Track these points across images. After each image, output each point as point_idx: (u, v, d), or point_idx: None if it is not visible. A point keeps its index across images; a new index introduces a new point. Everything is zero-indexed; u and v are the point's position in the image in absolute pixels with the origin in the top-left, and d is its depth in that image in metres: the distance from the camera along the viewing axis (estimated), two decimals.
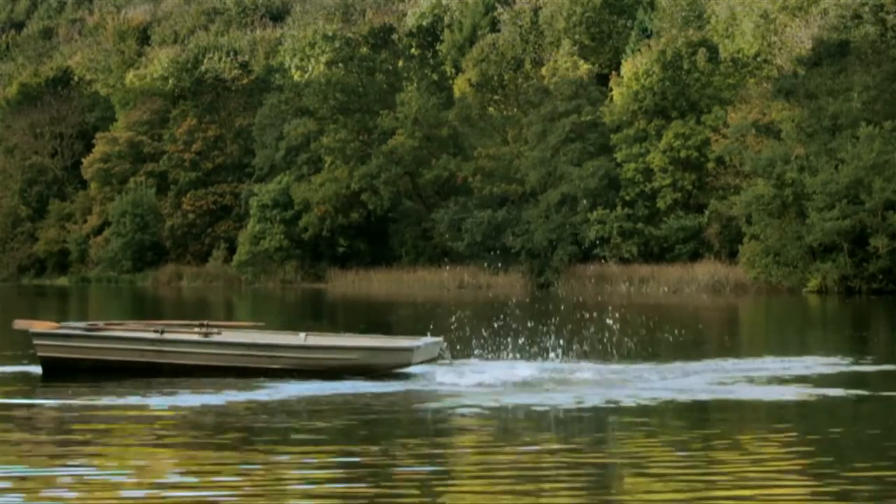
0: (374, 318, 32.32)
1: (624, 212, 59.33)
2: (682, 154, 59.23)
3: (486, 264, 61.97)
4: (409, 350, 13.89)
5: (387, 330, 23.12)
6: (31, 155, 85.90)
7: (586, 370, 14.29)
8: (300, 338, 14.72)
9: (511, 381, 13.06)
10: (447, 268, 63.91)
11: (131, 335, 14.44)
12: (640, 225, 59.32)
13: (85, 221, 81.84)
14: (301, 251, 70.04)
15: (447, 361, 14.49)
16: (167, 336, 14.26)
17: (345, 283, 65.11)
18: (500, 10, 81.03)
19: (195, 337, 14.40)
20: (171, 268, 76.21)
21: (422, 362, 14.20)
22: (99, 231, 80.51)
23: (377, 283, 63.89)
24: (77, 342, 14.18)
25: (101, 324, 15.14)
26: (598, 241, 59.02)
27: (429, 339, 14.50)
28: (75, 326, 14.87)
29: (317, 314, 34.63)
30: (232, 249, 73.74)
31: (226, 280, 72.06)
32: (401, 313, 34.70)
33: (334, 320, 30.66)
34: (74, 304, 44.00)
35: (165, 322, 15.21)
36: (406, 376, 13.89)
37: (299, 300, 47.14)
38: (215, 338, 14.40)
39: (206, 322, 15.02)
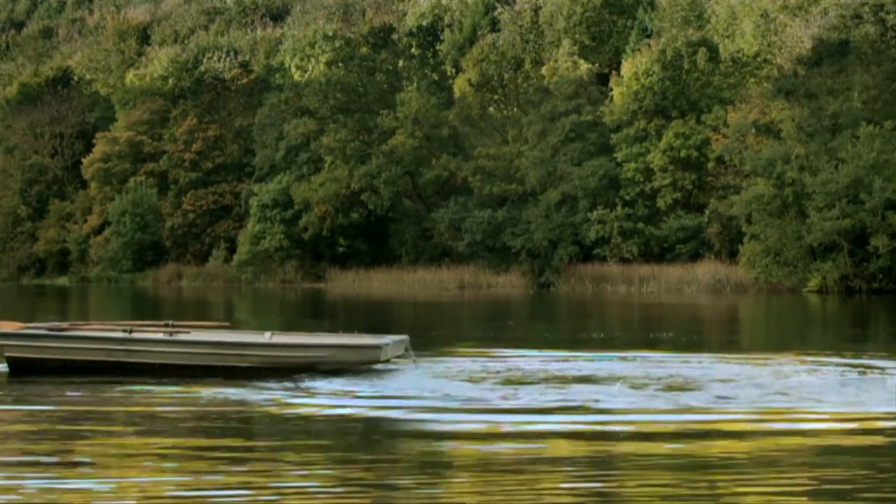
0: (374, 318, 32.30)
1: (624, 211, 59.33)
2: (683, 154, 59.25)
3: (486, 264, 62.01)
4: (378, 347, 13.89)
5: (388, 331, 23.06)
6: (31, 155, 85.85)
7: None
8: (265, 337, 14.68)
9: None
10: (447, 268, 63.96)
11: (99, 335, 14.33)
12: (640, 224, 59.30)
13: (85, 221, 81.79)
14: (301, 251, 70.02)
15: (412, 360, 14.42)
16: (135, 335, 14.17)
17: (345, 283, 65.09)
18: (500, 9, 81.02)
19: (164, 336, 14.31)
20: (172, 267, 76.17)
21: (388, 360, 14.22)
22: (99, 231, 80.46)
23: (377, 283, 63.87)
24: (44, 342, 14.04)
25: (65, 324, 15.02)
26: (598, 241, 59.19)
27: (395, 336, 14.52)
28: (40, 327, 14.75)
29: (316, 314, 34.61)
30: (232, 249, 73.72)
31: (226, 280, 72.04)
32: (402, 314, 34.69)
33: (335, 320, 30.61)
34: (74, 303, 43.96)
35: (131, 322, 15.12)
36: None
37: (299, 300, 47.12)
38: (184, 337, 14.30)
39: (171, 322, 14.94)
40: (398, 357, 14.46)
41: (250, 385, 12.73)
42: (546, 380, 13.44)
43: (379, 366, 14.29)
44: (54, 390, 12.55)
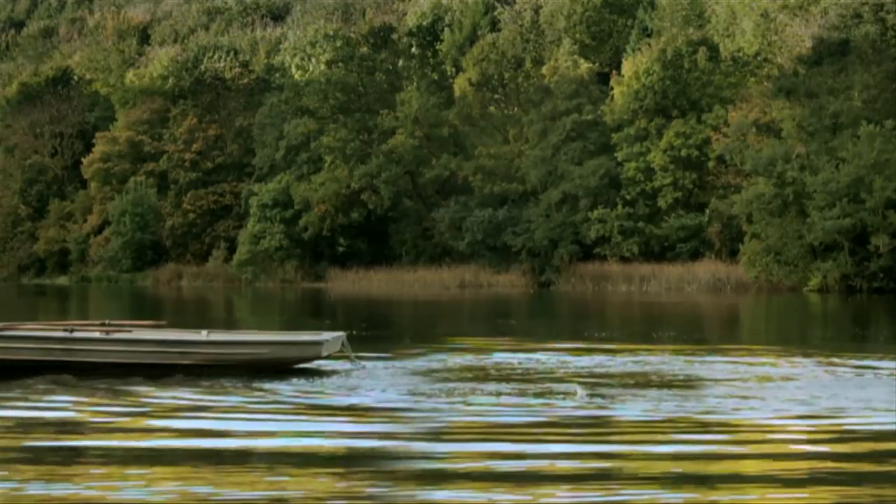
0: (374, 317, 32.27)
1: (625, 211, 59.33)
2: (683, 153, 59.23)
3: (486, 263, 61.98)
4: (319, 344, 13.89)
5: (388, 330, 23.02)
6: (31, 154, 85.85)
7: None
8: (202, 335, 14.63)
9: None
10: (448, 267, 63.91)
11: (39, 334, 14.20)
12: (640, 224, 59.30)
13: (85, 221, 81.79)
14: (301, 251, 69.99)
15: (350, 357, 14.33)
16: (77, 335, 14.07)
17: (345, 283, 65.02)
18: (500, 9, 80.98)
19: (105, 335, 14.24)
20: (172, 267, 76.15)
21: (327, 356, 14.25)
22: (99, 230, 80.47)
23: (377, 283, 63.81)
24: None
25: (1, 325, 14.88)
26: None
27: (333, 333, 14.55)
28: None
29: (316, 313, 34.58)
30: (232, 249, 73.70)
31: (226, 279, 71.99)
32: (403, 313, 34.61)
33: (335, 319, 30.59)
34: (74, 303, 43.94)
35: (68, 322, 15.01)
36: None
37: (299, 300, 47.08)
38: (126, 335, 14.26)
39: (107, 321, 14.88)
40: (334, 354, 14.43)
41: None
42: (508, 378, 13.29)
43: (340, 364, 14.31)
44: None
